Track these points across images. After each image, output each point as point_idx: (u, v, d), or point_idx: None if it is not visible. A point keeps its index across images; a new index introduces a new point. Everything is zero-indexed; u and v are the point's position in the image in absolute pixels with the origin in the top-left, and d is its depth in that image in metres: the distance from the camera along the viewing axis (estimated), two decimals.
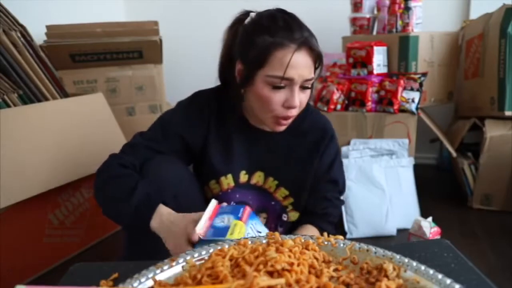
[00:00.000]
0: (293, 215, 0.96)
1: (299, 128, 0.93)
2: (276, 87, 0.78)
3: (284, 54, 0.76)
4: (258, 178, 0.93)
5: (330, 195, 0.96)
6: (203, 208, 0.72)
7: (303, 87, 0.80)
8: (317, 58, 0.80)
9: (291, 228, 0.97)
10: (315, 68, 0.81)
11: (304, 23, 0.83)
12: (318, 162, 0.94)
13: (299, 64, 0.77)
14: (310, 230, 0.91)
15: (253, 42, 0.78)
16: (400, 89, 1.71)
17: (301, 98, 0.81)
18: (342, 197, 1.02)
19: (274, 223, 0.96)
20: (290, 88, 0.79)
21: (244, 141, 0.91)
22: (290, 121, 0.84)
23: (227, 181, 0.91)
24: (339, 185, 0.98)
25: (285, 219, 0.96)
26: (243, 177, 0.93)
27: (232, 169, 0.91)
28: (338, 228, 1.64)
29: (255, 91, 0.81)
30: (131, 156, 0.85)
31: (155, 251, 0.69)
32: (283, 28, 0.77)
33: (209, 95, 0.92)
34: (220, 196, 0.91)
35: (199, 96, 0.93)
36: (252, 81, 0.81)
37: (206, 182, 0.92)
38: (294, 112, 0.82)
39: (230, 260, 0.52)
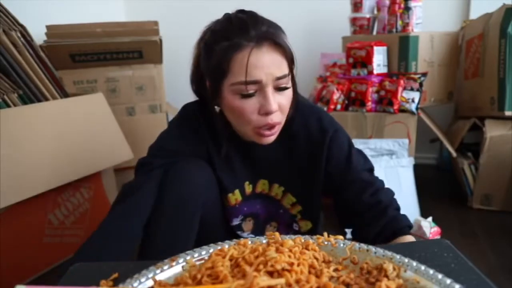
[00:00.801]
0: (305, 225, 0.91)
1: (290, 128, 0.83)
2: (245, 96, 0.70)
3: (242, 56, 0.67)
4: (262, 186, 0.90)
5: (366, 180, 0.83)
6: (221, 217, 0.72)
7: (278, 88, 0.71)
8: (285, 51, 0.70)
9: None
10: (289, 64, 0.72)
11: (266, 18, 0.72)
12: (329, 167, 0.84)
13: (263, 62, 0.68)
14: (406, 238, 0.78)
15: (212, 52, 0.71)
16: (400, 89, 1.71)
17: (279, 101, 0.71)
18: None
19: (285, 232, 0.91)
20: (261, 92, 0.70)
21: (241, 154, 0.87)
22: (276, 130, 0.75)
23: (235, 197, 0.88)
24: (367, 169, 0.86)
25: (296, 228, 0.91)
26: (248, 187, 0.89)
27: (238, 185, 0.88)
28: (337, 227, 1.64)
29: (226, 104, 0.73)
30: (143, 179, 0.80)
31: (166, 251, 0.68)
32: (238, 28, 0.69)
33: (196, 111, 0.85)
34: (228, 211, 0.89)
35: (189, 112, 0.87)
36: (221, 94, 0.73)
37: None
38: (276, 118, 0.72)
39: (230, 260, 0.52)
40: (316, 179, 0.86)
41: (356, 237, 0.86)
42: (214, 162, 0.85)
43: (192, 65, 0.82)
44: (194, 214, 0.79)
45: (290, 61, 0.72)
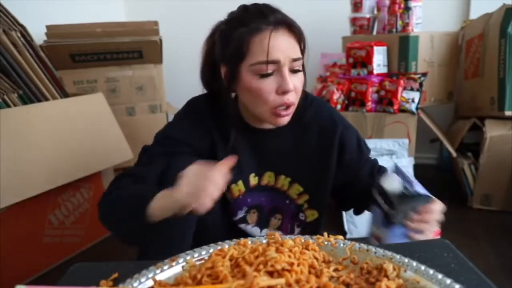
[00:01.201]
0: (311, 214, 0.92)
1: (302, 120, 0.87)
2: (264, 75, 0.74)
3: (262, 38, 0.72)
4: (268, 178, 0.90)
5: (371, 164, 0.94)
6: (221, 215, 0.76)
7: (293, 71, 0.76)
8: (299, 36, 0.76)
9: (309, 228, 0.93)
10: (301, 49, 0.77)
11: (279, 8, 0.78)
12: (344, 160, 0.89)
13: (281, 44, 0.73)
14: None
15: (230, 38, 0.75)
16: (400, 89, 1.71)
17: (294, 82, 0.75)
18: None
19: (290, 223, 0.92)
20: (279, 72, 0.74)
21: (249, 144, 0.87)
22: (291, 110, 0.79)
23: (238, 188, 0.88)
24: (371, 156, 0.96)
25: (302, 218, 0.92)
26: (253, 180, 0.89)
27: (241, 176, 0.88)
28: (338, 228, 1.64)
29: (244, 86, 0.77)
30: (143, 169, 0.81)
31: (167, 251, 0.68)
32: (256, 14, 0.74)
33: (203, 103, 0.88)
34: (231, 203, 0.89)
35: (195, 105, 0.89)
36: (239, 77, 0.76)
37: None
38: (292, 98, 0.76)
39: (230, 260, 0.52)
40: (328, 169, 0.89)
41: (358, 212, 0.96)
42: (218, 154, 0.85)
43: (202, 61, 0.85)
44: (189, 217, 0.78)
45: (303, 47, 0.78)
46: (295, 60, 0.75)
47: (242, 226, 0.91)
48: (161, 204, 0.68)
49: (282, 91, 0.74)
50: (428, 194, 0.71)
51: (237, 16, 0.77)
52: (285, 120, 0.79)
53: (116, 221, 0.78)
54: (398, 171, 0.74)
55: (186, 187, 0.64)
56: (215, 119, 0.86)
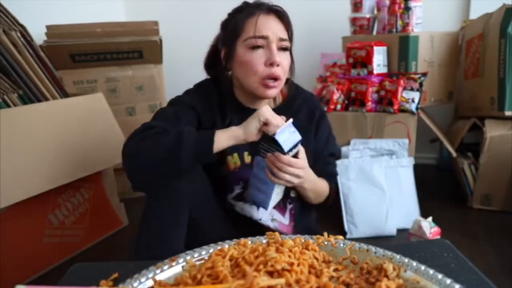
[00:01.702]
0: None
1: (292, 106, 0.99)
2: (254, 47, 0.86)
3: (255, 18, 0.86)
4: None
5: (331, 160, 1.06)
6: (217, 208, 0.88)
7: (281, 48, 0.87)
8: (287, 25, 0.89)
9: (300, 206, 1.00)
10: (289, 36, 0.90)
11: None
12: (314, 139, 1.00)
13: (270, 24, 0.86)
14: (323, 180, 0.98)
15: (230, 23, 0.90)
16: (400, 89, 1.71)
17: (281, 59, 0.87)
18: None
19: (283, 200, 0.97)
20: (267, 47, 0.86)
21: (240, 121, 0.91)
22: (277, 83, 0.88)
23: (234, 160, 0.94)
24: (335, 155, 1.08)
25: (293, 195, 0.98)
26: (247, 158, 0.95)
27: (237, 149, 0.93)
28: (338, 228, 1.64)
29: (238, 60, 0.88)
30: (167, 123, 0.86)
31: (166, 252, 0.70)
32: (254, 3, 0.90)
33: (210, 83, 0.99)
34: (228, 176, 0.94)
35: (203, 85, 1.00)
36: (234, 53, 0.89)
37: (214, 164, 0.92)
38: (278, 72, 0.87)
39: (230, 260, 0.52)
40: (309, 144, 0.98)
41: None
42: (215, 124, 0.95)
43: (208, 52, 0.99)
44: (179, 207, 0.82)
45: (290, 36, 0.91)
46: (283, 39, 0.87)
47: (240, 204, 0.94)
48: (222, 136, 0.80)
49: (270, 62, 0.86)
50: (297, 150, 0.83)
51: (237, 8, 0.92)
52: (273, 92, 0.90)
53: (164, 164, 0.79)
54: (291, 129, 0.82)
55: (257, 115, 0.80)
56: (218, 98, 0.97)
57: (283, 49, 0.88)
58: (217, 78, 0.98)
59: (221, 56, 0.94)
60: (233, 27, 0.89)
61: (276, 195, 0.87)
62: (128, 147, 0.81)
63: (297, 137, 0.81)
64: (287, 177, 0.79)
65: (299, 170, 0.80)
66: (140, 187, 0.84)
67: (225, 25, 0.93)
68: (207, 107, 0.95)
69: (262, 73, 0.87)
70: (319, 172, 0.97)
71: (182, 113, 0.90)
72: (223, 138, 0.80)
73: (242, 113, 0.93)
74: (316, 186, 0.94)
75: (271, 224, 0.95)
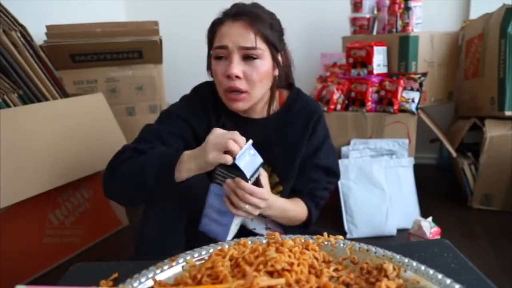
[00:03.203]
0: None
1: (290, 113, 0.94)
2: (217, 58, 0.83)
3: (221, 27, 0.83)
4: None
5: (318, 177, 0.95)
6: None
7: (245, 57, 0.82)
8: (258, 29, 0.81)
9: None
10: (267, 42, 0.83)
11: (261, 6, 0.88)
12: (306, 144, 0.93)
13: (233, 32, 0.81)
14: (298, 204, 0.91)
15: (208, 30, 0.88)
16: (400, 89, 1.71)
17: (245, 70, 0.82)
18: (333, 182, 1.00)
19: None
20: (228, 57, 0.82)
21: (235, 127, 0.90)
22: (243, 97, 0.83)
23: None
24: (327, 170, 0.96)
25: None
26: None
27: None
28: (338, 228, 1.64)
29: (212, 68, 0.87)
30: (144, 145, 0.86)
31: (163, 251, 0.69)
32: (226, 10, 0.86)
33: (207, 88, 0.96)
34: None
35: (200, 90, 0.97)
36: (210, 60, 0.88)
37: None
38: (240, 85, 0.82)
39: (230, 260, 0.52)
40: (297, 157, 0.93)
41: None
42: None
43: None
44: (181, 208, 0.83)
45: (266, 41, 0.83)
46: (246, 48, 0.81)
47: None
48: (188, 163, 0.73)
49: (227, 74, 0.82)
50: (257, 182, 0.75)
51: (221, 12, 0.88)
52: (238, 105, 0.85)
53: (133, 183, 0.79)
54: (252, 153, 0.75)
55: (213, 141, 0.70)
56: (213, 101, 0.93)
57: (251, 57, 0.82)
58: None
59: None
60: (209, 37, 0.88)
61: (236, 226, 0.78)
62: (106, 170, 0.86)
63: (258, 160, 0.74)
64: (248, 208, 0.72)
65: (261, 201, 0.73)
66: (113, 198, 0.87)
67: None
68: (202, 114, 0.93)
69: (222, 85, 0.84)
70: (297, 189, 0.92)
71: (167, 132, 0.88)
72: (190, 162, 0.74)
73: (240, 124, 0.92)
74: (285, 213, 0.86)
75: (265, 233, 0.94)
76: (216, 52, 0.83)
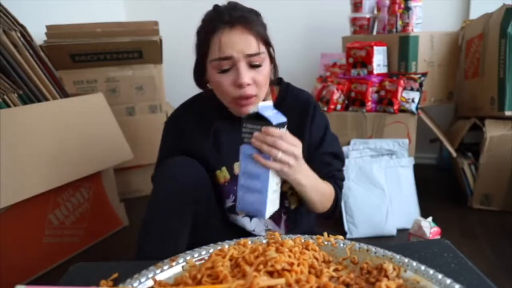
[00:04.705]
0: (294, 200, 0.94)
1: (284, 106, 0.90)
2: (222, 71, 0.80)
3: (219, 36, 0.79)
4: None
5: (330, 161, 0.93)
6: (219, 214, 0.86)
7: (252, 65, 0.80)
8: (256, 32, 0.80)
9: (294, 215, 0.95)
10: (264, 43, 0.82)
11: (246, 7, 0.84)
12: (308, 136, 0.91)
13: (235, 41, 0.78)
14: (325, 181, 0.88)
15: (198, 37, 0.85)
16: (400, 89, 1.71)
17: (253, 76, 0.81)
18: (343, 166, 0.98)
19: (277, 211, 0.93)
20: (234, 67, 0.80)
21: (231, 131, 0.91)
22: (253, 100, 0.83)
23: (223, 174, 0.92)
24: (335, 156, 0.95)
25: (287, 205, 0.94)
26: (238, 168, 0.91)
27: (224, 161, 0.91)
28: (338, 228, 1.64)
29: (210, 79, 0.85)
30: None
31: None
32: (215, 15, 0.81)
33: (184, 105, 0.98)
34: (219, 190, 0.92)
35: (199, 95, 0.98)
36: (205, 71, 0.85)
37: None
38: (250, 91, 0.81)
39: (230, 260, 0.52)
40: (303, 150, 0.90)
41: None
42: (196, 137, 0.93)
43: (195, 62, 0.93)
44: (184, 210, 0.82)
45: (265, 42, 0.82)
46: (251, 55, 0.79)
47: (233, 216, 0.94)
48: None
49: (238, 85, 0.80)
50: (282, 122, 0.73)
51: (206, 16, 0.84)
52: (248, 109, 0.82)
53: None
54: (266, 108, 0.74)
55: None
56: (199, 108, 0.95)
57: (255, 65, 0.81)
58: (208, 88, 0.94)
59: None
60: (199, 45, 0.84)
61: (273, 194, 0.73)
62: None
63: (282, 117, 0.73)
64: (281, 156, 0.69)
65: (293, 147, 0.71)
66: None
67: (196, 36, 0.87)
68: (198, 122, 0.94)
69: (232, 94, 0.82)
70: (317, 174, 0.89)
71: (172, 151, 0.92)
72: None
73: (235, 125, 0.90)
74: (317, 184, 0.83)
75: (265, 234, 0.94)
76: (221, 65, 0.80)
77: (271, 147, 0.69)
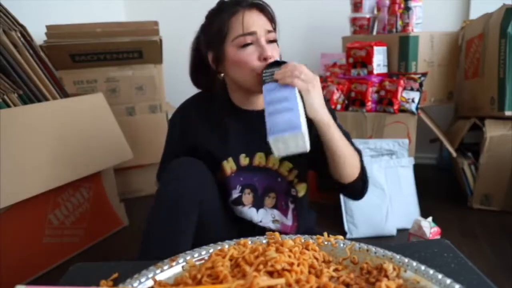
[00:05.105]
0: (301, 188, 0.96)
1: None
2: (245, 45, 0.84)
3: (238, 16, 0.84)
4: (259, 159, 0.94)
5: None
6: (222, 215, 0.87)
7: (269, 41, 0.86)
8: (270, 17, 0.87)
9: (301, 203, 0.97)
10: (273, 28, 0.88)
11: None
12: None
13: (254, 19, 0.85)
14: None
15: (212, 25, 0.87)
16: (400, 89, 1.71)
17: (272, 51, 0.85)
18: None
19: (284, 200, 0.96)
20: (257, 42, 0.84)
21: (237, 124, 0.93)
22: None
23: (229, 165, 0.93)
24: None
25: (294, 193, 0.96)
26: (244, 160, 0.94)
27: (231, 152, 0.93)
28: (338, 228, 1.64)
29: (230, 60, 0.86)
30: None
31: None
32: (231, 2, 0.87)
33: (188, 101, 1.00)
34: (225, 182, 0.93)
35: (199, 94, 1.00)
36: (224, 55, 0.87)
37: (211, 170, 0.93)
38: None
39: (230, 260, 0.52)
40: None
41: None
42: (201, 131, 0.95)
43: (191, 60, 0.98)
44: (189, 212, 0.83)
45: (275, 28, 0.89)
46: (270, 31, 0.86)
47: (239, 208, 0.94)
48: None
49: (264, 57, 0.84)
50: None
51: (214, 10, 0.89)
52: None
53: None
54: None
55: None
56: (203, 102, 0.97)
57: (271, 41, 0.87)
58: (208, 86, 0.97)
59: (208, 60, 0.91)
60: (217, 29, 0.86)
61: (303, 116, 0.73)
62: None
63: None
64: (304, 76, 0.75)
65: (312, 74, 0.78)
66: None
67: (206, 28, 0.91)
68: (204, 115, 0.95)
69: (258, 68, 0.84)
70: None
71: (177, 150, 0.96)
72: None
73: (241, 117, 0.94)
74: (343, 137, 0.83)
75: (273, 226, 0.95)
76: (243, 40, 0.84)
77: (293, 72, 0.76)
